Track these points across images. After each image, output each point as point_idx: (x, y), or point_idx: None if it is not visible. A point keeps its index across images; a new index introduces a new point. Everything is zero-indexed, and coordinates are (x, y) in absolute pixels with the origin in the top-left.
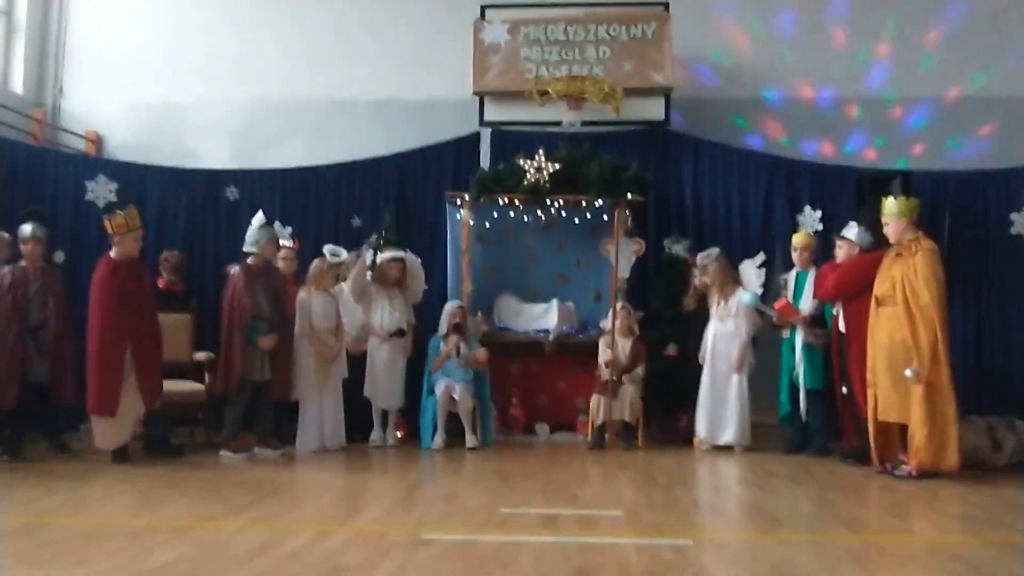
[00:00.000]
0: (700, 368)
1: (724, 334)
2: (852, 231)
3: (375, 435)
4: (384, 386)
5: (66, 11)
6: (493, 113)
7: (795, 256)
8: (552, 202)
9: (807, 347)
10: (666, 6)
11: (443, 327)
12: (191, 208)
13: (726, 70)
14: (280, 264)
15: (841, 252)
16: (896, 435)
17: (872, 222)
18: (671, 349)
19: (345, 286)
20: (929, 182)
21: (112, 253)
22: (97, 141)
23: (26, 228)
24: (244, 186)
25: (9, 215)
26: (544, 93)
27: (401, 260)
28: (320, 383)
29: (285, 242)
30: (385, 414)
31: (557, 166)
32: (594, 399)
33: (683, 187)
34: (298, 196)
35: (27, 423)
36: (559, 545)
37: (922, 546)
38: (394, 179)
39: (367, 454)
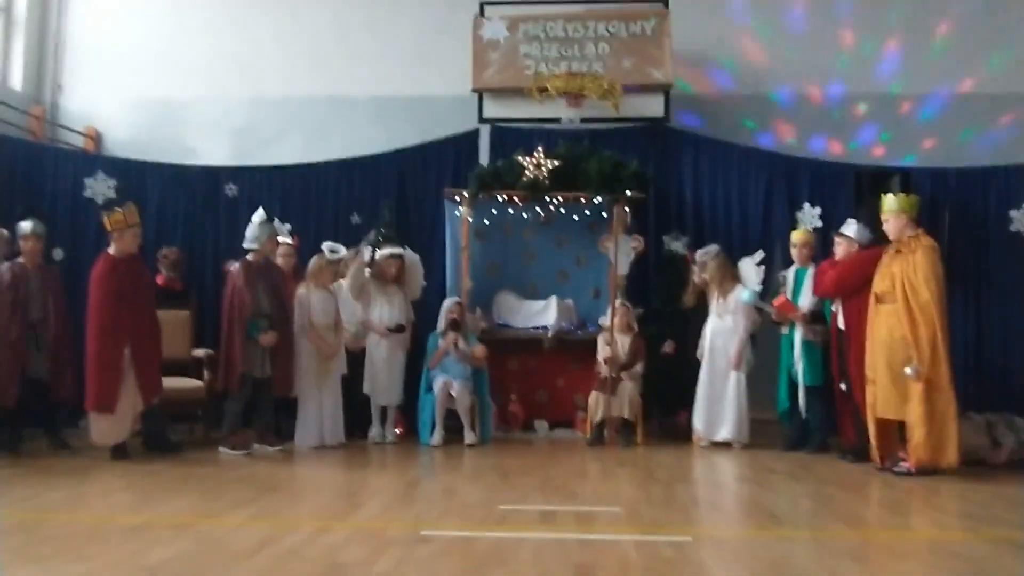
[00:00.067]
0: (699, 365)
1: (722, 331)
2: (851, 228)
3: (374, 431)
4: (383, 382)
5: (65, 8)
6: (492, 110)
7: (794, 253)
8: (551, 199)
9: (806, 344)
10: (665, 3)
11: (441, 324)
12: (190, 205)
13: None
14: (279, 260)
15: (840, 249)
16: (895, 432)
17: (871, 219)
18: (667, 346)
19: (344, 283)
20: (928, 179)
21: (111, 250)
22: (96, 138)
23: (25, 225)
24: (243, 183)
25: (8, 212)
26: (543, 90)
27: (399, 257)
28: (319, 380)
29: (284, 239)
30: (384, 410)
31: (556, 163)
32: (593, 396)
33: (682, 184)
34: (297, 193)
35: (26, 420)
36: (558, 542)
37: (921, 543)
38: (393, 176)
39: (366, 450)
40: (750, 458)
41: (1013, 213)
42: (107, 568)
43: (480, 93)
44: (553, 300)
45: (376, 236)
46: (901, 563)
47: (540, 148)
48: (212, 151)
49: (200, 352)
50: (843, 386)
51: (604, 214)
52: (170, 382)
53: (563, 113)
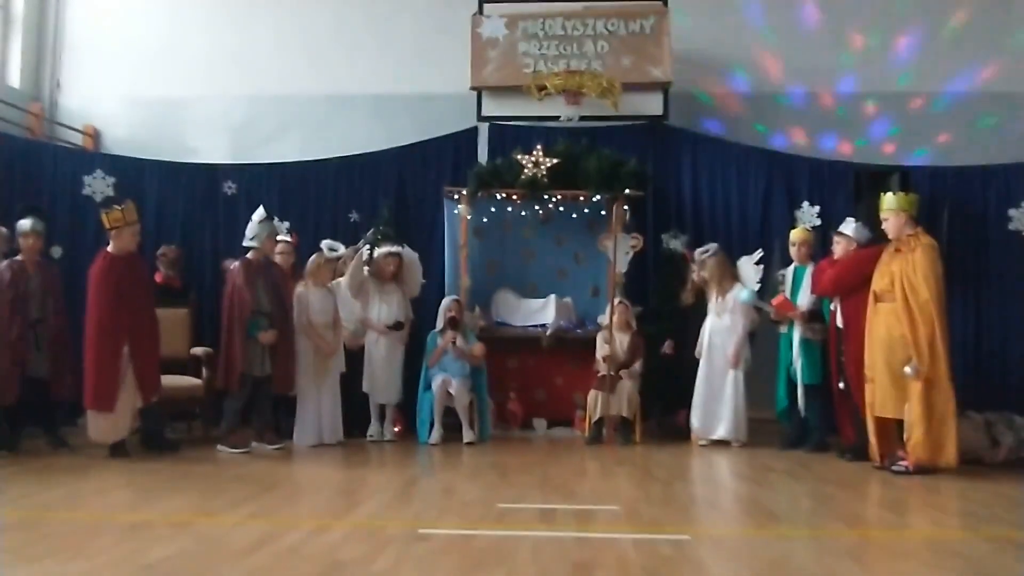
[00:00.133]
0: (697, 363)
1: (721, 329)
2: (849, 227)
3: (372, 430)
4: (382, 381)
5: (64, 5)
6: (491, 108)
7: (793, 252)
8: (550, 197)
9: (805, 343)
10: (664, 1)
11: (440, 322)
12: (189, 203)
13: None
14: (277, 259)
15: (838, 248)
16: (894, 431)
17: (870, 217)
18: (667, 347)
19: (343, 281)
20: (927, 178)
21: (110, 248)
22: (95, 136)
23: (24, 223)
24: (241, 181)
25: (7, 210)
26: (542, 88)
27: (397, 255)
28: (318, 378)
29: (283, 236)
30: (383, 409)
31: (555, 161)
32: (592, 394)
33: (681, 182)
34: (296, 191)
35: (25, 418)
36: (557, 540)
37: (920, 542)
38: (392, 174)
39: (364, 449)
40: (749, 457)
41: (1012, 212)
42: (106, 566)
43: (479, 91)
44: (552, 298)
45: (375, 234)
46: (900, 562)
47: (539, 146)
48: (211, 149)
49: (199, 350)
50: (842, 385)
51: (603, 212)
52: (169, 380)
53: (562, 111)
